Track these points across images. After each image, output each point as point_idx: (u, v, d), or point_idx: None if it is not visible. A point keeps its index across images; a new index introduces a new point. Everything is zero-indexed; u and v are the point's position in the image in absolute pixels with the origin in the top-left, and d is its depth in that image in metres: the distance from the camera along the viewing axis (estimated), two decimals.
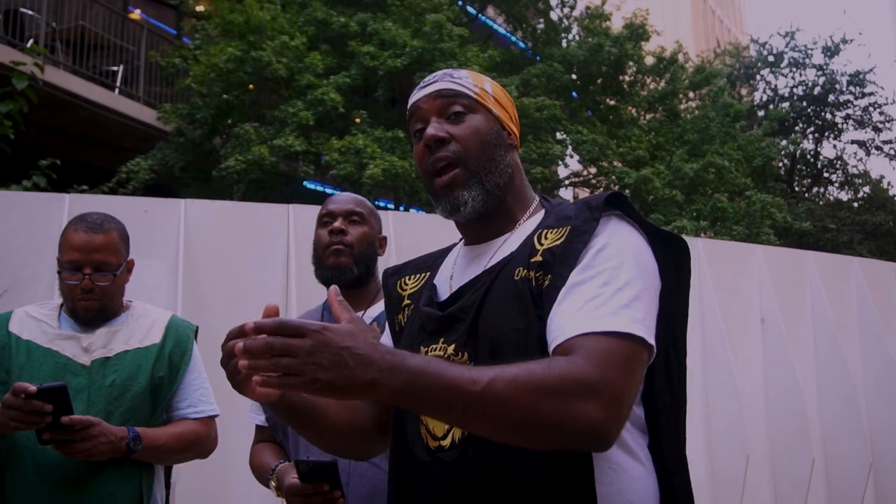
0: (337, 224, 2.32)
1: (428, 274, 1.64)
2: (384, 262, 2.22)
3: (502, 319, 1.37)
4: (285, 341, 1.11)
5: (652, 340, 1.30)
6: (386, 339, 1.65)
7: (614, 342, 1.24)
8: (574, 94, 14.86)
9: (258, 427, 2.40)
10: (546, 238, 1.41)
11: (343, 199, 2.41)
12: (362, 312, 2.27)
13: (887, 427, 5.00)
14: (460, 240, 1.63)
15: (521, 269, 1.40)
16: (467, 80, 1.54)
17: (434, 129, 1.49)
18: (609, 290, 1.29)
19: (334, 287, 1.30)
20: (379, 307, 2.28)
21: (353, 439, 1.54)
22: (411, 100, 1.56)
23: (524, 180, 1.58)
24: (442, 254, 1.68)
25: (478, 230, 1.55)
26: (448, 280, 1.56)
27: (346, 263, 2.28)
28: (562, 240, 1.38)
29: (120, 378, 2.24)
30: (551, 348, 1.28)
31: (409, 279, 1.66)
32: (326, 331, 1.12)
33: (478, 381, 1.15)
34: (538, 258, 1.39)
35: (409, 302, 1.62)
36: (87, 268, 2.24)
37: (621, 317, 1.27)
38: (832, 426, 4.96)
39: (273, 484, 2.18)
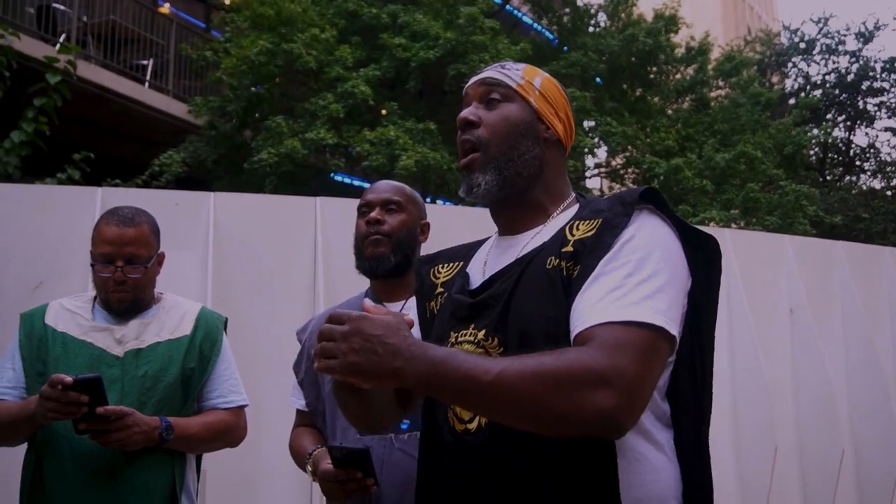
0: (374, 214, 2.30)
1: (461, 263, 1.67)
2: (428, 249, 2.21)
3: (533, 307, 1.40)
4: (329, 326, 1.25)
5: (674, 331, 1.31)
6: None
7: (632, 332, 1.26)
8: (598, 80, 14.75)
9: (299, 411, 2.44)
10: (578, 229, 1.43)
11: (380, 188, 2.39)
12: (403, 302, 2.26)
13: None
14: (496, 231, 1.65)
15: (553, 258, 1.42)
16: (517, 72, 1.59)
17: (467, 112, 1.56)
18: (633, 280, 1.31)
19: (367, 300, 1.35)
20: None
21: (385, 412, 1.59)
22: (465, 89, 1.63)
23: (560, 175, 1.60)
24: (476, 245, 1.71)
25: (509, 220, 1.58)
26: (482, 267, 1.58)
27: (383, 253, 2.27)
28: (593, 231, 1.40)
29: (152, 369, 2.29)
30: (572, 336, 1.31)
31: (443, 268, 1.69)
32: (363, 319, 1.24)
33: (490, 371, 1.20)
34: (569, 248, 1.41)
35: (442, 290, 1.65)
36: (119, 260, 2.29)
37: (642, 307, 1.28)
38: (862, 417, 4.91)
39: (309, 468, 2.22)
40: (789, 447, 4.61)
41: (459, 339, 1.49)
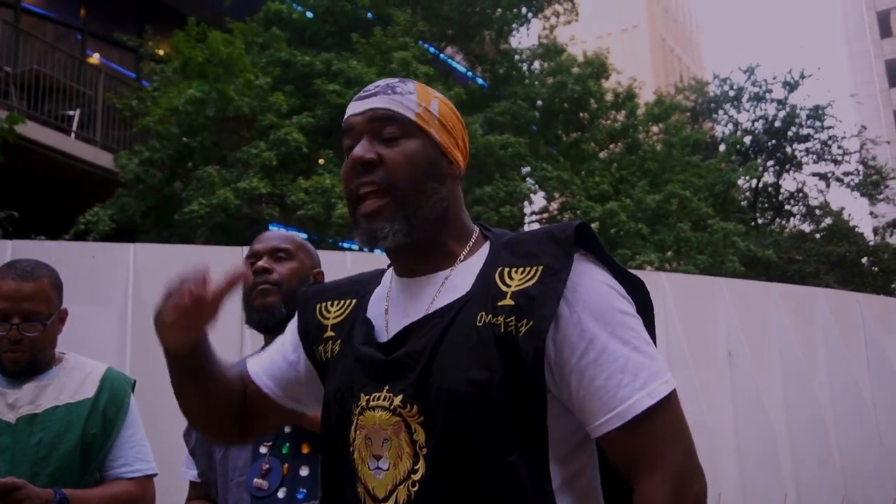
0: (261, 263, 2.16)
1: (353, 302, 1.47)
2: None
3: (459, 370, 1.24)
4: None
5: (673, 382, 1.28)
6: (294, 359, 1.51)
7: (665, 414, 1.24)
8: (534, 127, 14.89)
9: (192, 483, 2.25)
10: (511, 278, 1.28)
11: (267, 237, 2.26)
12: None
13: (858, 457, 4.95)
14: (388, 266, 1.48)
15: (485, 313, 1.26)
16: (411, 96, 1.38)
17: (362, 148, 1.35)
18: (629, 349, 1.25)
19: None
20: None
21: (216, 414, 1.51)
22: (348, 111, 1.42)
23: (462, 212, 1.43)
24: (368, 281, 1.52)
25: (410, 262, 1.40)
26: (383, 315, 1.40)
27: (273, 303, 2.11)
28: (534, 280, 1.25)
29: (47, 436, 2.11)
30: (603, 431, 1.24)
31: (332, 305, 1.49)
32: None
33: None
34: (508, 302, 1.25)
35: (332, 334, 1.45)
36: (15, 317, 2.12)
37: (657, 381, 1.24)
38: (803, 459, 4.90)
39: None
40: (733, 493, 4.55)
41: (371, 402, 1.31)
